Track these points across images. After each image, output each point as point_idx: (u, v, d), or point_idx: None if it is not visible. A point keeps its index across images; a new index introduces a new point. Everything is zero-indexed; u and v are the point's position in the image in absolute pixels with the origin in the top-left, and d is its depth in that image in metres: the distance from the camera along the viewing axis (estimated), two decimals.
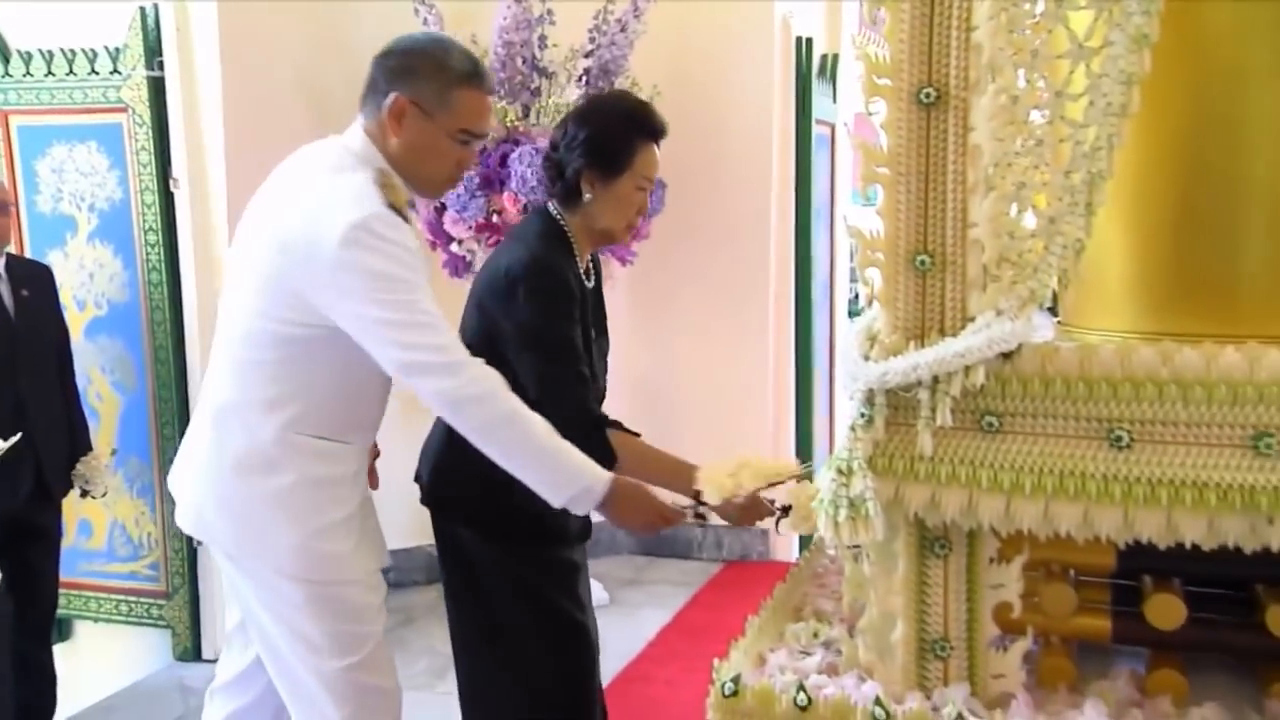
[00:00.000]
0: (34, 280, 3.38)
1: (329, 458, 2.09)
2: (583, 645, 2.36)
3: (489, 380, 1.98)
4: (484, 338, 2.20)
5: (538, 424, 2.00)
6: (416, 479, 2.38)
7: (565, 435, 2.05)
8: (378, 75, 2.10)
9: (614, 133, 2.26)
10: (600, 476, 2.05)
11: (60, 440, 3.49)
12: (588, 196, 2.26)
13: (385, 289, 1.92)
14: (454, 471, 2.27)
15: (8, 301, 3.24)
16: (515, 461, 2.01)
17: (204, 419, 2.13)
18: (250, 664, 2.26)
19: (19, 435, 2.97)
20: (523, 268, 2.18)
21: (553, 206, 2.33)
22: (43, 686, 3.50)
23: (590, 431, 2.16)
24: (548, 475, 2.03)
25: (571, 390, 2.17)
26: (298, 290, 1.97)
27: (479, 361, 1.98)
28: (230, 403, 2.07)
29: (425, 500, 2.35)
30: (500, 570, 2.27)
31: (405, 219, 2.03)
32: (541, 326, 2.16)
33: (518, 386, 2.07)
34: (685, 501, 2.22)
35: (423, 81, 2.05)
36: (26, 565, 3.34)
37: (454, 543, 2.31)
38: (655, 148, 2.32)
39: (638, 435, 2.30)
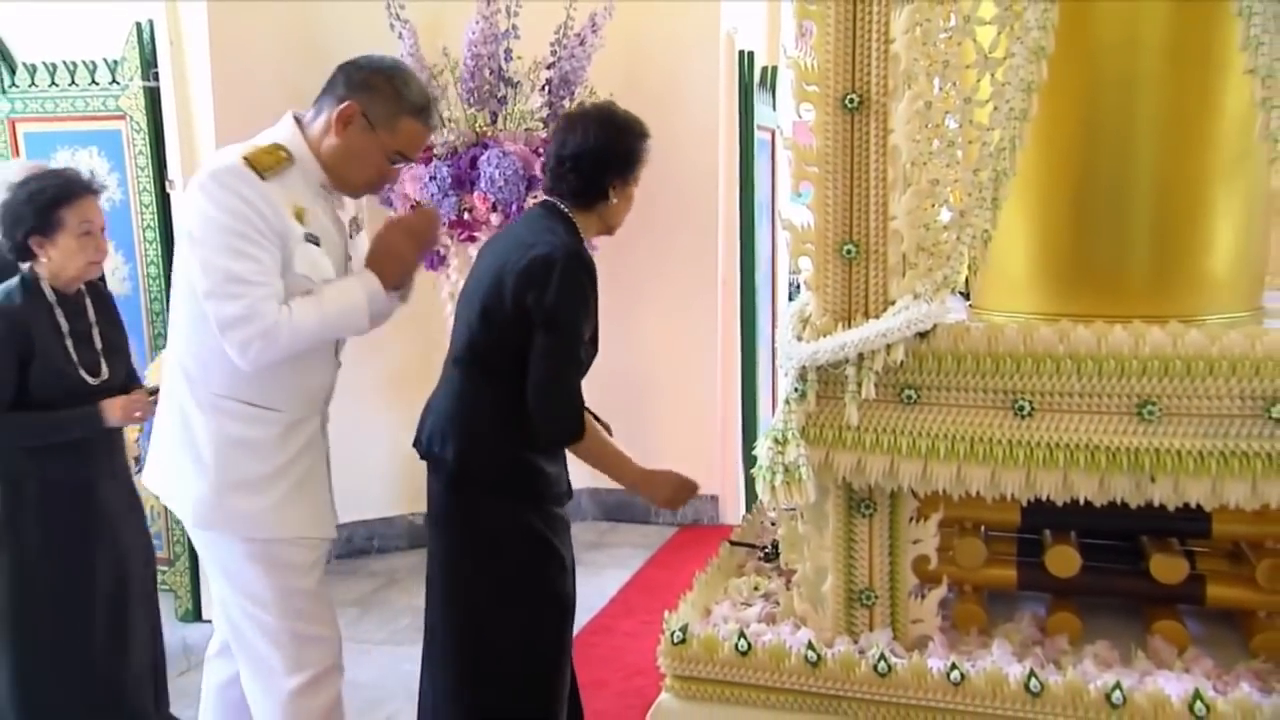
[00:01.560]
0: None
1: (250, 421, 2.07)
2: (573, 590, 2.37)
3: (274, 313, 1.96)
4: (492, 313, 2.17)
5: (309, 307, 2.00)
6: (430, 455, 2.31)
7: (551, 408, 2.12)
8: (339, 79, 2.11)
9: (632, 142, 2.29)
10: (366, 277, 2.09)
11: None
12: (614, 200, 2.28)
13: (220, 234, 1.94)
14: (484, 441, 2.24)
15: None
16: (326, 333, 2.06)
17: (165, 392, 2.16)
18: None
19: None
20: (563, 256, 2.15)
21: (561, 204, 2.29)
22: None
23: (578, 410, 2.17)
24: (349, 318, 2.06)
25: (570, 373, 2.17)
26: (186, 253, 2.00)
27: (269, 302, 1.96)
28: (174, 366, 2.11)
29: (452, 473, 2.27)
30: (519, 528, 2.24)
31: (262, 177, 1.99)
32: (565, 311, 2.15)
33: (517, 358, 2.13)
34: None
35: (379, 100, 2.07)
36: None
37: (474, 509, 2.26)
38: None
39: (603, 424, 2.31)
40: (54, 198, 2.52)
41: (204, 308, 1.96)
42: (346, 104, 2.05)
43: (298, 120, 2.12)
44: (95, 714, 2.69)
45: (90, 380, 2.62)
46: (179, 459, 2.07)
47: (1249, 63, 1.64)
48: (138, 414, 2.64)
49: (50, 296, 2.59)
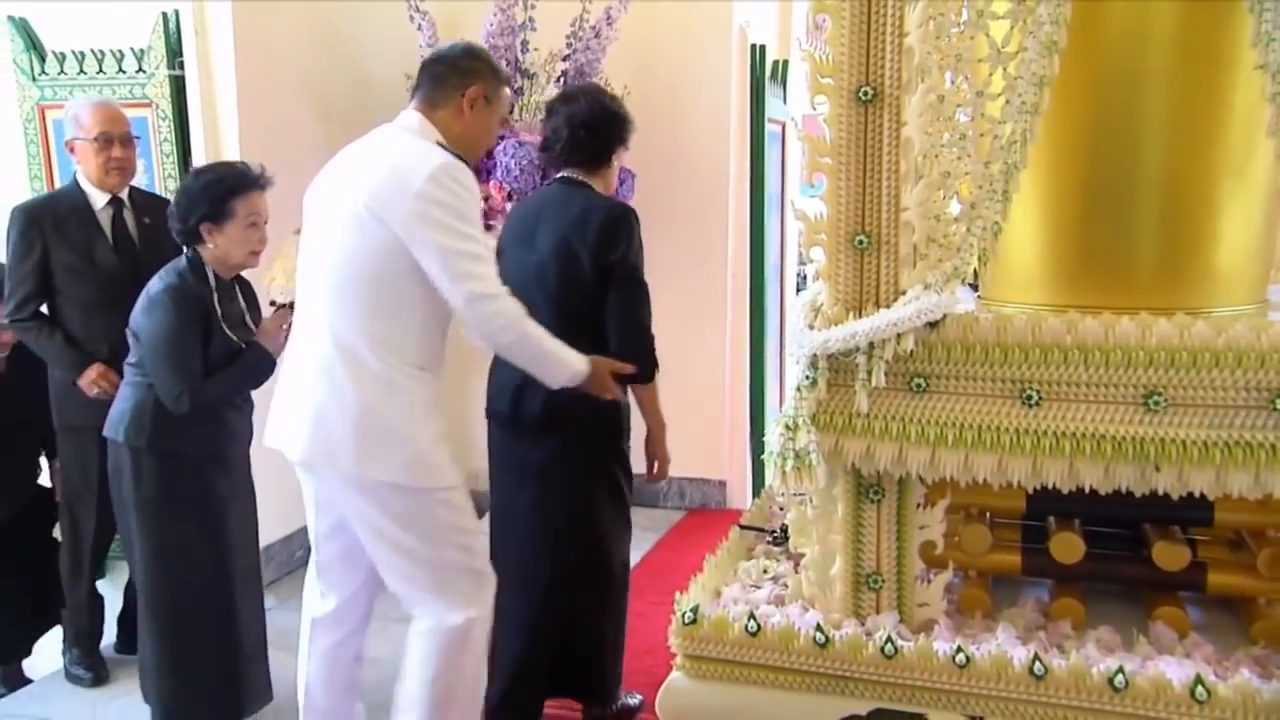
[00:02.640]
0: (154, 210, 3.15)
1: (426, 385, 2.18)
2: None
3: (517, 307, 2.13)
4: (574, 283, 2.38)
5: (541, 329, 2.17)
6: (550, 425, 2.45)
7: (640, 349, 2.39)
8: (448, 72, 2.23)
9: (624, 112, 2.53)
10: (585, 365, 2.21)
11: None
12: (614, 165, 2.52)
13: (458, 222, 2.07)
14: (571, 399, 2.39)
15: (133, 230, 3.10)
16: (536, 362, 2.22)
17: (318, 359, 2.16)
18: (349, 599, 2.35)
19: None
20: (623, 212, 2.41)
21: (574, 174, 2.48)
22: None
23: (651, 346, 2.43)
24: (553, 368, 2.20)
25: (648, 316, 2.44)
26: (386, 228, 2.07)
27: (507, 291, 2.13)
28: (349, 341, 2.13)
29: (588, 432, 2.45)
30: (624, 461, 2.53)
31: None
32: (637, 261, 2.40)
33: (594, 309, 2.36)
34: None
35: (486, 79, 2.25)
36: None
37: (604, 455, 2.50)
38: None
39: None
40: (229, 188, 2.60)
41: (451, 287, 2.07)
42: (474, 87, 2.22)
43: (423, 115, 2.23)
44: (225, 685, 2.74)
45: None
46: (387, 429, 2.13)
47: (1259, 58, 1.62)
48: (286, 326, 2.68)
49: (211, 281, 2.67)
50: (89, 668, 3.23)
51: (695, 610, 1.87)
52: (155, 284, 2.64)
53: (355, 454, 2.13)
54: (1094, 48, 1.81)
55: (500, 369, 2.54)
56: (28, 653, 3.44)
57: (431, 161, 2.08)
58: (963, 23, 1.70)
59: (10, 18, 3.80)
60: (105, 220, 3.07)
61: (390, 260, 2.09)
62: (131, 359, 2.70)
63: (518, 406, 2.49)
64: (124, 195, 3.11)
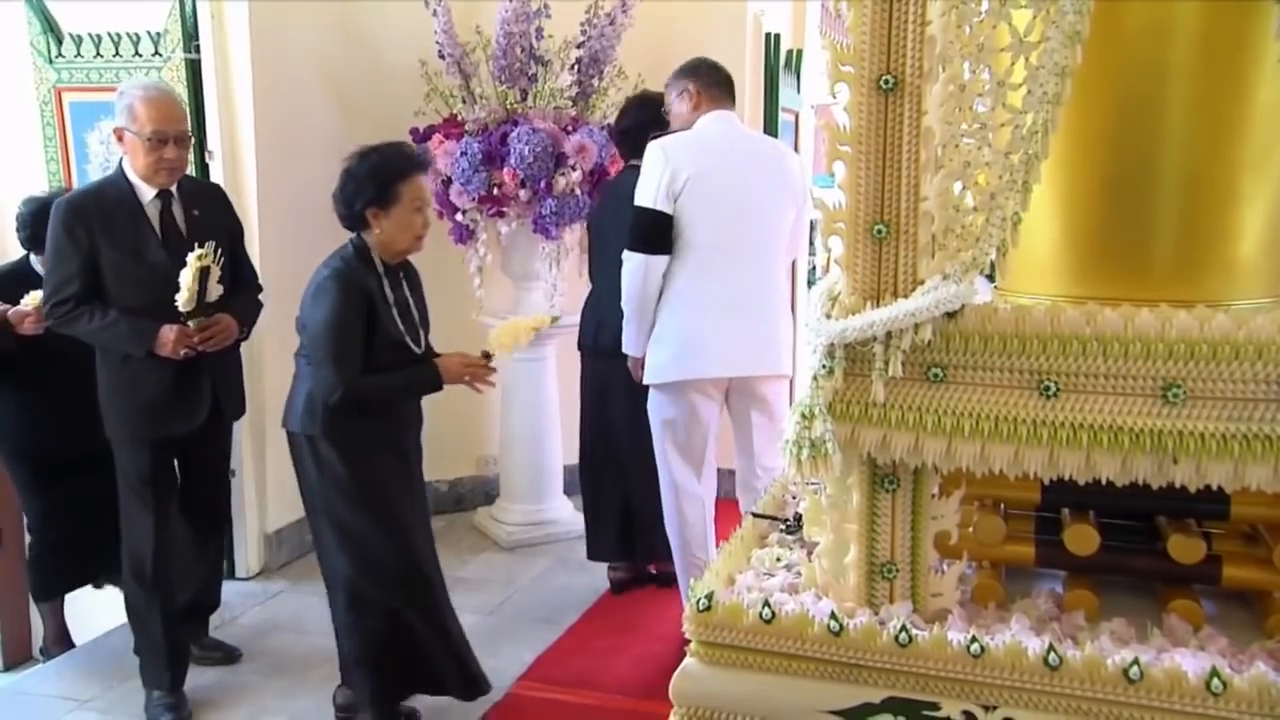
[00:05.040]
0: (203, 200, 3.03)
1: None
2: None
3: None
4: (786, 219, 3.26)
5: None
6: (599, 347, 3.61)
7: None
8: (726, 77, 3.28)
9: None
10: None
11: (234, 358, 3.11)
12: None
13: None
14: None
15: (181, 224, 2.91)
16: None
17: (763, 296, 3.16)
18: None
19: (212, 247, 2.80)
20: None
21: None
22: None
23: None
24: None
25: None
26: (796, 204, 3.25)
27: None
28: (781, 283, 3.26)
29: (616, 352, 3.42)
30: None
31: None
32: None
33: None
34: None
35: None
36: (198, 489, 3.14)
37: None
38: None
39: None
40: (396, 171, 2.56)
41: (796, 248, 3.38)
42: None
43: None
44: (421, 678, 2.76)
45: (415, 350, 2.67)
46: (787, 337, 3.28)
47: None
48: (468, 376, 2.68)
49: (379, 267, 2.62)
50: (172, 708, 2.96)
51: (709, 597, 1.87)
52: (321, 270, 2.56)
53: (785, 358, 3.24)
54: (1116, 39, 1.79)
55: (590, 310, 3.74)
56: (66, 590, 3.40)
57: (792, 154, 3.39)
58: (984, 12, 1.68)
59: (28, 0, 3.80)
60: (154, 214, 2.89)
61: (788, 226, 3.22)
62: (301, 350, 2.64)
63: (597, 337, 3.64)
64: (171, 187, 2.93)
